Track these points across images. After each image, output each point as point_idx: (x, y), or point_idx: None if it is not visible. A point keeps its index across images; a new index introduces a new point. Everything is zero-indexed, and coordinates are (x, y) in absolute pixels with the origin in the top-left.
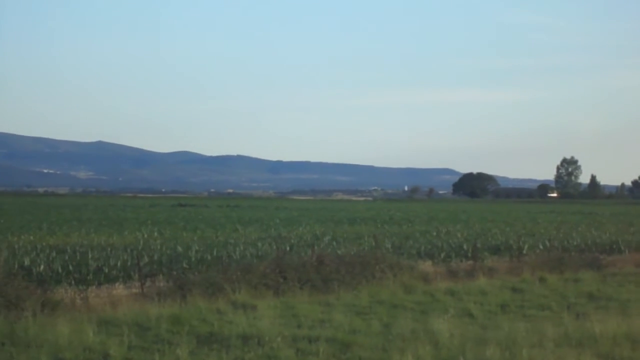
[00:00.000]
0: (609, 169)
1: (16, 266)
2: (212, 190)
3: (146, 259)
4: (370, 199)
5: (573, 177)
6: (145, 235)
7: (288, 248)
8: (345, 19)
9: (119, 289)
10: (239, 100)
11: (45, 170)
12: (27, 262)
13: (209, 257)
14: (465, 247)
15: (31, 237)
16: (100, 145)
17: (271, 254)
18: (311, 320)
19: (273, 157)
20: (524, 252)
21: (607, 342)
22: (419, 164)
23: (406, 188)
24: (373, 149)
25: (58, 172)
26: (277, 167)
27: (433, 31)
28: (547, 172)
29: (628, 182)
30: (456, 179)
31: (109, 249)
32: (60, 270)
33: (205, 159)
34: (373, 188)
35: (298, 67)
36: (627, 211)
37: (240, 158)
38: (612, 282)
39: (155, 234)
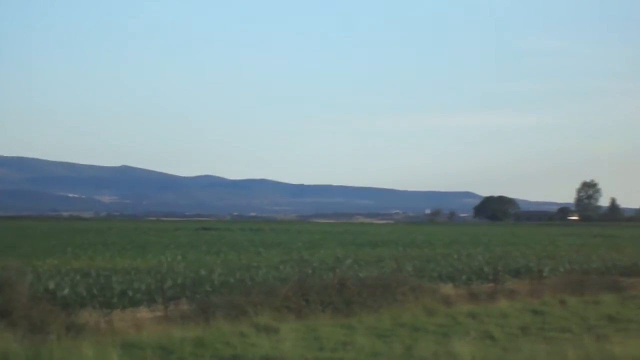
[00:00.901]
0: (628, 192)
1: (41, 290)
2: (235, 213)
3: (170, 283)
4: (391, 222)
5: (593, 200)
6: (169, 259)
7: (310, 271)
8: (366, 44)
9: (143, 312)
10: (262, 125)
11: (70, 195)
12: (51, 285)
13: (232, 280)
14: (486, 269)
15: (56, 261)
16: (124, 170)
17: (293, 276)
18: (333, 343)
19: (295, 180)
20: (545, 274)
21: None
22: (440, 187)
23: (427, 211)
24: (394, 173)
25: (82, 197)
26: (299, 190)
27: (452, 56)
28: (567, 195)
29: None
30: (477, 202)
31: (133, 273)
32: (84, 294)
33: (228, 183)
34: (394, 211)
35: (319, 91)
36: None
37: (262, 182)
38: (632, 305)
39: (179, 257)
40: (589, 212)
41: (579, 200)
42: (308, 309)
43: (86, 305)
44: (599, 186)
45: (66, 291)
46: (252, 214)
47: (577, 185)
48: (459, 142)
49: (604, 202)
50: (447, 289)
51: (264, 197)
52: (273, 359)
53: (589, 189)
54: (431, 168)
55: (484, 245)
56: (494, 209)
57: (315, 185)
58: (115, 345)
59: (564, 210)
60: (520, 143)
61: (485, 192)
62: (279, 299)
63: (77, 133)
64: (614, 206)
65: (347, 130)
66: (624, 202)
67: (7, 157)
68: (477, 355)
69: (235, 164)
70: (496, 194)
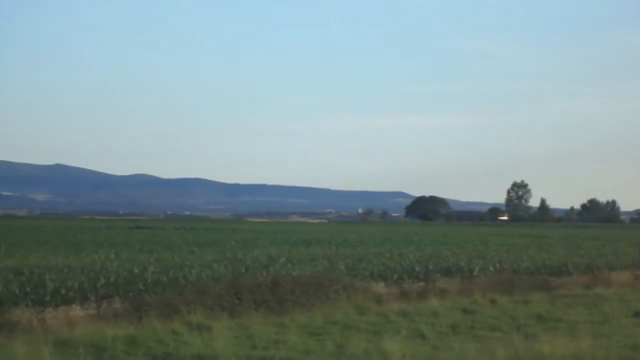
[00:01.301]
0: (558, 193)
1: None
2: (169, 212)
3: (103, 281)
4: (325, 221)
5: (523, 201)
6: (102, 257)
7: (243, 270)
8: (295, 43)
9: (76, 310)
10: (196, 124)
11: (4, 193)
12: None
13: (165, 279)
14: (417, 268)
15: None
16: (58, 168)
17: (227, 275)
18: (265, 341)
19: (230, 180)
20: (475, 274)
21: None
22: (373, 187)
23: (360, 211)
24: (328, 172)
25: (16, 195)
26: (234, 189)
27: (387, 57)
28: (497, 196)
29: (577, 206)
30: (409, 202)
31: (66, 271)
32: (17, 292)
33: (162, 182)
34: (328, 210)
35: (253, 91)
36: (575, 234)
37: (197, 181)
38: (561, 304)
39: (112, 256)
40: (519, 212)
41: (509, 200)
42: (241, 307)
43: (19, 303)
44: (529, 187)
45: None
46: (187, 213)
47: (508, 185)
48: (392, 143)
49: (534, 202)
50: (379, 287)
51: (198, 196)
52: (205, 357)
53: (519, 190)
54: (364, 168)
55: (416, 244)
56: (426, 209)
57: (250, 185)
58: (48, 344)
59: (494, 211)
60: (452, 144)
61: (417, 192)
62: (212, 298)
63: (11, 131)
64: (543, 206)
65: (282, 130)
66: (554, 203)
67: None
68: (408, 353)
69: (170, 163)
70: (428, 194)
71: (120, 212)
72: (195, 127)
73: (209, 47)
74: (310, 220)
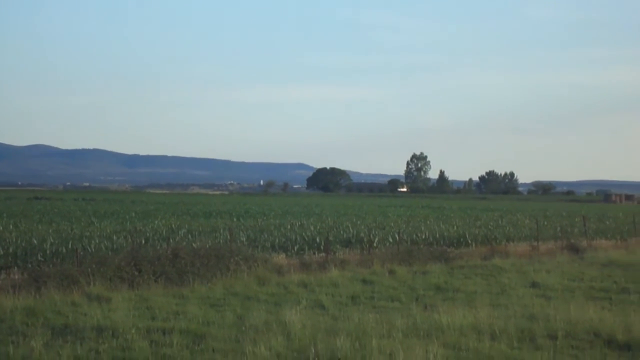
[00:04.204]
0: (457, 165)
1: None
2: (68, 183)
3: (1, 252)
4: (226, 193)
5: (422, 172)
6: (0, 228)
7: (143, 241)
8: (197, 16)
9: None
10: (95, 94)
11: None
12: None
13: (64, 250)
14: (318, 240)
15: None
16: None
17: (126, 247)
18: (165, 313)
19: (129, 150)
20: (375, 245)
21: (453, 333)
22: (274, 158)
23: (262, 182)
24: (229, 144)
25: None
26: (134, 160)
27: (283, 27)
28: (397, 168)
29: (475, 178)
30: (310, 173)
31: None
32: None
33: (61, 152)
34: (229, 182)
35: (153, 61)
36: (474, 205)
37: (96, 151)
38: (459, 275)
39: (11, 226)
40: (418, 184)
41: (408, 172)
42: (141, 279)
43: None
44: (429, 159)
45: None
46: (85, 184)
47: (408, 157)
48: (293, 114)
49: (433, 174)
50: (280, 259)
51: (97, 167)
52: (105, 328)
53: (418, 162)
54: (265, 140)
55: (316, 216)
56: (327, 181)
57: (149, 156)
58: None
59: (394, 182)
60: (352, 116)
61: (318, 163)
62: (112, 269)
63: None
64: (442, 178)
65: (183, 102)
66: (453, 175)
67: None
68: (308, 323)
69: (68, 133)
70: (329, 165)
71: (19, 183)
72: (94, 98)
73: (107, 17)
74: (211, 192)
